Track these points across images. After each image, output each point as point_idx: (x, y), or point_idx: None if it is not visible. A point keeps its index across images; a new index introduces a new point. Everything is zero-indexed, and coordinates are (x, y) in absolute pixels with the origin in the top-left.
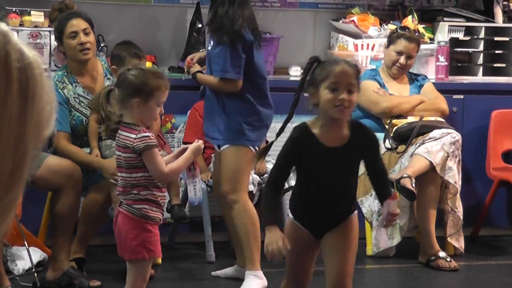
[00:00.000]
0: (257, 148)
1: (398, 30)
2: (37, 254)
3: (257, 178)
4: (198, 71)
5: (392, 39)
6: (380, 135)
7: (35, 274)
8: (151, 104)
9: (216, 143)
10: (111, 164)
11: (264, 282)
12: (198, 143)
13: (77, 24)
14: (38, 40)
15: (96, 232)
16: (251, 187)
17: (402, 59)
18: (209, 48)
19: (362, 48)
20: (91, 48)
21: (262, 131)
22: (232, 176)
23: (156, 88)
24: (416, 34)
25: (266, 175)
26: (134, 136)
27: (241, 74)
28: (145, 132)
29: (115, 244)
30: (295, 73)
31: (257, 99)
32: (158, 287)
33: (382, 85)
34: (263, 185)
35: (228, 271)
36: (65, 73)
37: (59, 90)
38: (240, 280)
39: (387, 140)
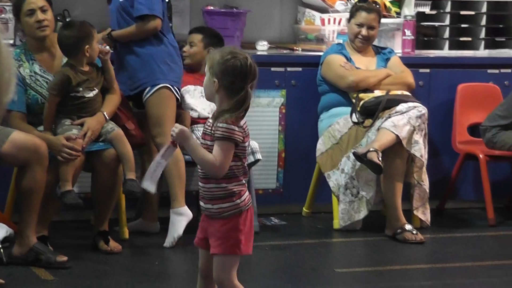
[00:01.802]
0: (176, 89)
1: (357, 3)
2: (3, 230)
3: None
4: (110, 31)
5: (352, 12)
6: (347, 109)
7: (1, 250)
8: None
9: (137, 91)
10: (58, 140)
11: (189, 216)
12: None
13: (35, 1)
14: (3, 15)
15: (56, 210)
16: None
17: (363, 31)
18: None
19: (329, 23)
20: (49, 26)
21: (178, 71)
22: (157, 121)
23: None
24: (377, 5)
25: None
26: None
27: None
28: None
29: (82, 220)
30: (262, 47)
31: (168, 40)
32: (126, 263)
33: (348, 59)
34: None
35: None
36: (23, 51)
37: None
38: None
39: (354, 114)
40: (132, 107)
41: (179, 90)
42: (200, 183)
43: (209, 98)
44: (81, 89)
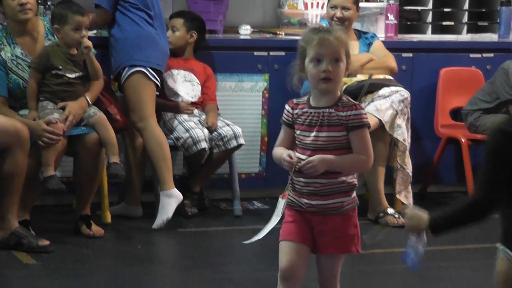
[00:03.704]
0: (150, 70)
1: None
2: None
3: (207, 133)
4: None
5: None
6: None
7: None
8: None
9: (115, 74)
10: (39, 125)
11: (178, 198)
12: None
13: None
14: None
15: (38, 195)
16: (204, 144)
17: (338, 12)
18: None
19: (312, 7)
20: (32, 9)
21: (158, 54)
22: (136, 105)
23: None
24: None
25: (215, 132)
26: None
27: (111, 6)
28: None
29: (64, 204)
30: (245, 31)
31: (142, 21)
32: (108, 247)
33: None
34: (214, 142)
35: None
36: (4, 34)
37: None
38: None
39: None
40: (117, 91)
41: (161, 74)
42: (303, 179)
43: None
44: (61, 67)
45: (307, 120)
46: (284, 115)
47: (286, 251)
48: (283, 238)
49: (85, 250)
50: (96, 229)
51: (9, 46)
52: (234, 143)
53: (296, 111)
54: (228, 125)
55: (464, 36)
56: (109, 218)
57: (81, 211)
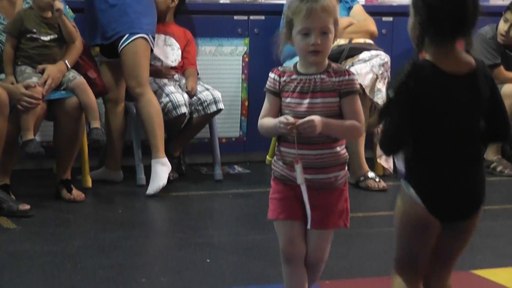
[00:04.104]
0: (152, 38)
1: None
2: None
3: (187, 98)
4: None
5: None
6: None
7: None
8: None
9: (112, 39)
10: (17, 89)
11: (169, 167)
12: None
13: None
14: None
15: (17, 159)
16: (184, 109)
17: None
18: None
19: None
20: None
21: (153, 20)
22: (135, 71)
23: None
24: None
25: (195, 97)
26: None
27: None
28: None
29: (44, 169)
30: None
31: None
32: (89, 211)
33: None
34: (194, 107)
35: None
36: None
37: None
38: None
39: None
40: (102, 56)
41: (154, 39)
42: (299, 150)
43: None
44: (35, 30)
45: (298, 87)
46: (268, 83)
47: (283, 232)
48: (277, 217)
49: (66, 215)
50: (76, 194)
51: None
52: (213, 108)
53: (283, 79)
54: (207, 89)
55: None
56: (89, 183)
57: (62, 175)
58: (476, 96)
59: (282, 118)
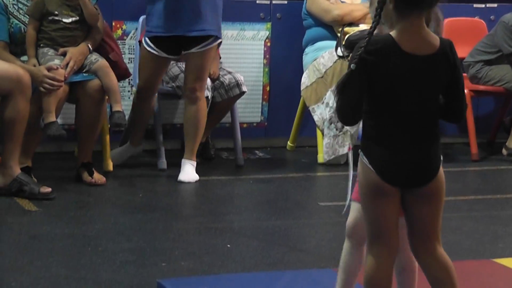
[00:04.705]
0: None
1: None
2: None
3: (210, 82)
4: None
5: None
6: (332, 43)
7: None
8: None
9: (200, 34)
10: (39, 71)
11: (195, 176)
12: None
13: None
14: None
15: (38, 141)
16: (207, 93)
17: None
18: None
19: None
20: None
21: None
22: (204, 75)
23: None
24: None
25: (218, 81)
26: None
27: None
28: None
29: (65, 152)
30: None
31: None
32: (110, 195)
33: None
34: (217, 90)
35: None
36: None
37: None
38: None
39: (339, 48)
40: (152, 47)
41: None
42: None
43: None
44: (57, 13)
45: None
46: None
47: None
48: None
49: (87, 198)
50: (97, 177)
51: None
52: (236, 91)
53: None
54: (230, 73)
55: None
56: (111, 166)
57: (83, 158)
58: (434, 77)
59: None
